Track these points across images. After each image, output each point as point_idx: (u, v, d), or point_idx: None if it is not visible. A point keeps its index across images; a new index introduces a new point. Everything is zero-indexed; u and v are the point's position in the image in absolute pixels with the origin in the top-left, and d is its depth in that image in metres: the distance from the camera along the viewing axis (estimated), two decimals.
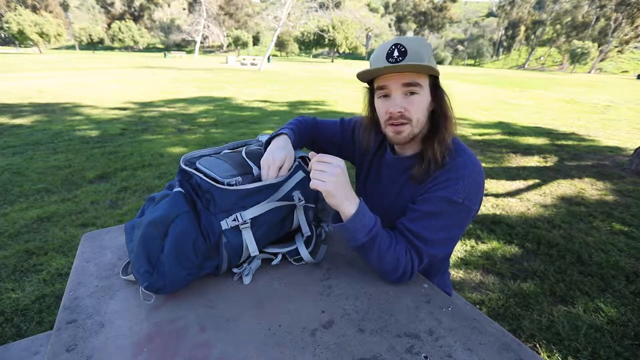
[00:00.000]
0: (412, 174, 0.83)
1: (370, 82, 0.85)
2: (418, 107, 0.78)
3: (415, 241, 0.77)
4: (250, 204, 0.76)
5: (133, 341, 0.62)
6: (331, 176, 0.70)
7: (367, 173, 1.01)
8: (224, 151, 0.93)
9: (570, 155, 4.74)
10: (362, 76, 0.80)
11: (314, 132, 1.06)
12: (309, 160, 0.92)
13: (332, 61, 54.24)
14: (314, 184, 0.71)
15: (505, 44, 72.25)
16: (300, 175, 0.86)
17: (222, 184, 0.76)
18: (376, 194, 0.96)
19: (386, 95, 0.79)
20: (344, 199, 0.72)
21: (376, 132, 0.95)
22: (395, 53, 0.73)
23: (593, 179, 3.74)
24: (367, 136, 0.97)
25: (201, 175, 0.76)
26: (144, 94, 9.01)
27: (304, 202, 0.84)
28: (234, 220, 0.74)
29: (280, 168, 0.81)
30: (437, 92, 0.80)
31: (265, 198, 0.78)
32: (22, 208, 2.63)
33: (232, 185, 0.75)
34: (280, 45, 66.72)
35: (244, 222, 0.75)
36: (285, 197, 0.81)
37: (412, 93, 0.76)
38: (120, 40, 65.45)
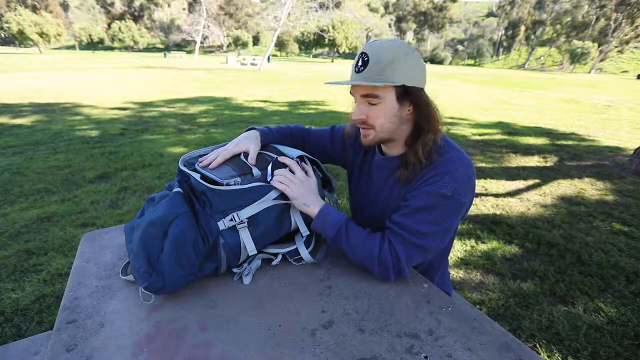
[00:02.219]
0: (397, 176, 0.84)
1: None
2: (379, 115, 0.79)
3: (404, 233, 0.76)
4: (246, 203, 0.76)
5: (133, 341, 0.62)
6: (295, 186, 0.80)
7: (358, 176, 1.02)
8: None
9: (570, 155, 4.74)
10: (334, 85, 0.84)
11: (302, 140, 1.08)
12: (308, 158, 0.93)
13: (332, 61, 54.23)
14: (278, 186, 0.80)
15: (505, 44, 72.23)
16: None
17: (221, 184, 0.76)
18: (368, 195, 0.97)
19: (355, 102, 0.84)
20: (309, 203, 0.81)
21: None
22: (359, 62, 0.76)
23: (593, 179, 3.74)
24: (354, 139, 1.01)
25: (197, 176, 0.76)
26: (144, 94, 9.01)
27: None
28: (231, 220, 0.74)
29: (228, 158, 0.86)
30: (409, 97, 0.78)
31: (260, 197, 0.78)
32: (22, 208, 2.63)
33: (231, 185, 0.76)
34: (280, 45, 66.72)
35: (241, 222, 0.75)
36: (281, 196, 0.81)
37: (372, 103, 0.79)
38: (120, 40, 65.45)
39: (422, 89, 0.80)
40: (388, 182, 0.90)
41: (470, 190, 0.79)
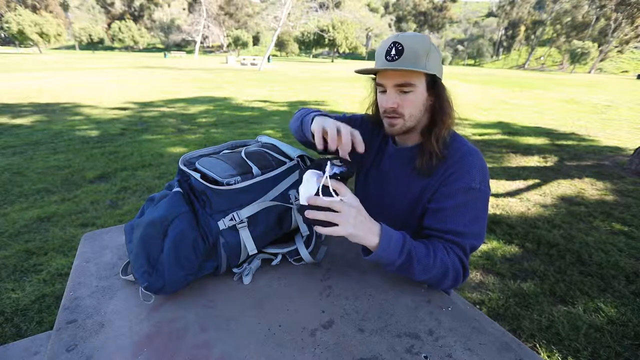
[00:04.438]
0: (416, 166, 0.85)
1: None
2: (411, 103, 0.80)
3: (455, 238, 0.77)
4: (246, 202, 0.76)
5: (133, 341, 0.62)
6: (348, 219, 0.64)
7: (371, 165, 1.00)
8: (223, 151, 0.94)
9: (570, 155, 4.74)
10: (362, 72, 0.82)
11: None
12: (308, 158, 0.92)
13: (332, 61, 54.23)
14: (323, 231, 0.64)
15: (505, 44, 72.24)
16: (297, 174, 0.87)
17: (222, 184, 0.76)
18: (377, 183, 0.97)
19: (384, 91, 0.83)
20: (367, 234, 0.67)
21: (380, 124, 0.95)
22: (393, 51, 0.76)
23: (593, 179, 3.74)
24: (372, 128, 1.00)
25: (197, 176, 0.76)
26: (144, 94, 9.00)
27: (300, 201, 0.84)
28: (231, 219, 0.74)
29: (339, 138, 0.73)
30: (435, 88, 0.81)
31: (260, 196, 0.78)
32: (22, 208, 2.63)
33: (231, 184, 0.76)
34: (280, 45, 66.72)
35: (241, 221, 0.75)
36: (281, 195, 0.81)
37: (405, 91, 0.79)
38: (120, 40, 65.50)
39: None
40: (402, 173, 0.90)
41: (488, 180, 0.81)
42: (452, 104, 0.83)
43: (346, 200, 0.65)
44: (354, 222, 0.64)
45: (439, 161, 0.81)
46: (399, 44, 0.75)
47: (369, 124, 1.01)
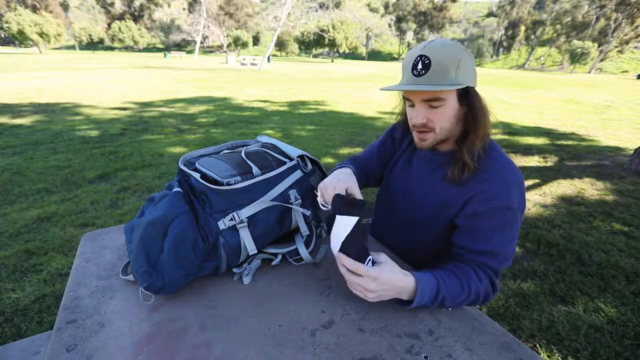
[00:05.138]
0: (448, 174, 0.82)
1: None
2: (441, 117, 0.77)
3: (489, 261, 0.75)
4: (246, 202, 0.76)
5: (133, 341, 0.62)
6: (367, 290, 0.66)
7: (399, 166, 0.99)
8: (223, 151, 0.94)
9: (570, 155, 4.74)
10: (389, 89, 0.79)
11: (363, 169, 1.06)
12: (308, 158, 0.92)
13: (332, 61, 54.22)
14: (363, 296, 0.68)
15: (505, 44, 72.21)
16: (297, 174, 0.87)
17: (222, 184, 0.76)
18: (404, 182, 0.95)
19: (412, 105, 0.81)
20: (395, 295, 0.69)
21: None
22: (419, 66, 0.72)
23: (593, 179, 3.74)
24: (401, 135, 1.02)
25: (197, 176, 0.76)
26: (144, 94, 9.00)
27: (300, 201, 0.84)
28: (231, 219, 0.74)
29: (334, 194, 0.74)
30: (467, 98, 0.77)
31: (260, 196, 0.78)
32: (22, 208, 2.63)
33: (231, 184, 0.76)
34: (280, 45, 66.70)
35: (241, 221, 0.75)
36: (281, 195, 0.81)
37: (434, 106, 0.76)
38: (120, 40, 65.51)
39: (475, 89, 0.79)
40: (432, 176, 0.88)
41: (525, 195, 0.79)
42: (487, 112, 0.79)
43: (370, 272, 0.65)
44: (373, 296, 0.66)
45: (471, 173, 0.79)
46: (426, 57, 0.71)
47: (399, 129, 1.02)
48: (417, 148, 0.90)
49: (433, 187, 0.87)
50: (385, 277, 0.66)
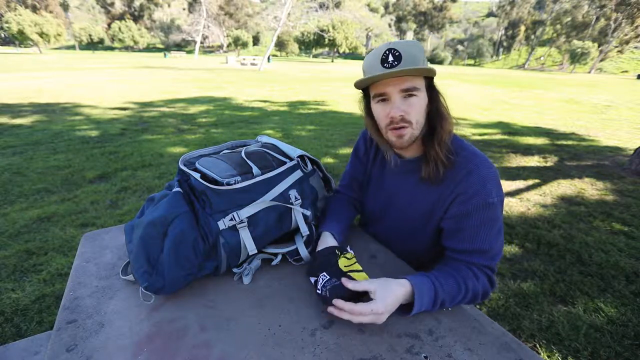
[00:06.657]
0: (422, 176, 0.82)
1: (365, 89, 0.84)
2: (417, 109, 0.77)
3: (482, 259, 0.76)
4: (246, 202, 0.76)
5: (133, 341, 0.62)
6: (385, 313, 0.65)
7: (376, 180, 1.00)
8: (223, 151, 0.94)
9: (570, 155, 4.74)
10: (360, 84, 0.79)
11: (353, 202, 1.07)
12: (308, 158, 0.92)
13: (332, 61, 54.22)
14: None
15: (505, 44, 72.19)
16: (298, 174, 0.86)
17: (222, 184, 0.76)
18: (384, 199, 0.96)
19: (384, 100, 0.78)
20: (401, 301, 0.69)
21: (371, 143, 0.98)
22: (390, 58, 0.73)
23: (593, 179, 3.74)
24: (365, 150, 1.02)
25: (197, 176, 0.76)
26: (144, 94, 9.00)
27: (300, 201, 0.84)
28: (231, 219, 0.74)
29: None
30: (432, 93, 0.79)
31: (260, 196, 0.78)
32: (22, 208, 2.63)
33: (231, 184, 0.76)
34: (280, 45, 66.70)
35: (241, 221, 0.75)
36: (281, 195, 0.81)
37: (411, 96, 0.76)
38: (120, 40, 65.50)
39: None
40: (405, 186, 0.89)
41: (501, 186, 0.79)
42: (447, 106, 0.80)
43: (376, 309, 0.64)
44: (384, 318, 0.66)
45: (446, 168, 0.79)
46: (395, 49, 0.72)
47: (361, 149, 1.02)
48: (387, 160, 0.90)
49: (412, 195, 0.88)
50: (390, 301, 0.65)
